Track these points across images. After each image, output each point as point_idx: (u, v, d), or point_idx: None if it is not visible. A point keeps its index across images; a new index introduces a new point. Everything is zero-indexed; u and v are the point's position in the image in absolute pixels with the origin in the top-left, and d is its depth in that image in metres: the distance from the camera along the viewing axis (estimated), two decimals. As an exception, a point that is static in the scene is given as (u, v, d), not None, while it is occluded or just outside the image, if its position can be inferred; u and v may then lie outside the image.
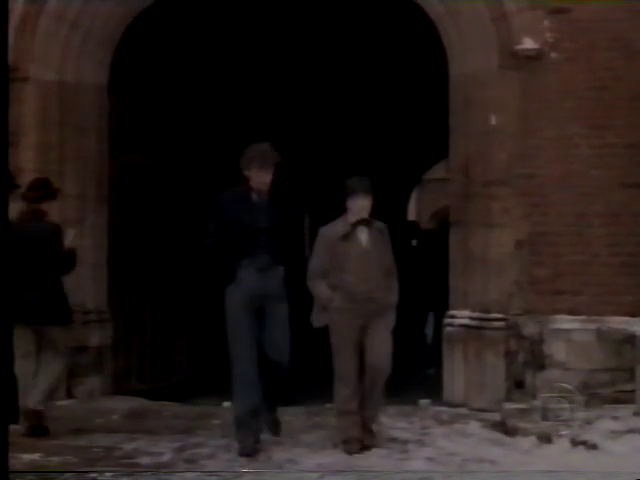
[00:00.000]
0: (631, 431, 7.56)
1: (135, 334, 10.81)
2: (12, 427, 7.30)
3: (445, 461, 7.22)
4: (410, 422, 8.45)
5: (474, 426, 8.26)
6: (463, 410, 9.00)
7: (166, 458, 7.32)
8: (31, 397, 8.06)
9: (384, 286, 7.45)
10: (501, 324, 9.09)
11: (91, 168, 9.87)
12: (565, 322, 8.96)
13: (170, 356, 11.41)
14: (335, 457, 7.28)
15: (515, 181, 9.11)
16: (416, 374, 12.11)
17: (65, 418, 8.50)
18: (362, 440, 7.45)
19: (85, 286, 9.57)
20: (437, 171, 22.54)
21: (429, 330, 13.67)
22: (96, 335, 9.80)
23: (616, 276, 8.98)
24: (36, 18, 9.53)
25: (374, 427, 7.56)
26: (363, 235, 7.47)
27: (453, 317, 9.41)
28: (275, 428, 7.83)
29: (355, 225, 7.46)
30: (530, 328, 9.02)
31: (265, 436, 7.66)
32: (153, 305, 11.11)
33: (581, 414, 7.98)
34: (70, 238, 8.29)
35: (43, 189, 8.30)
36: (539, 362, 8.97)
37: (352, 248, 7.41)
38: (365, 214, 7.48)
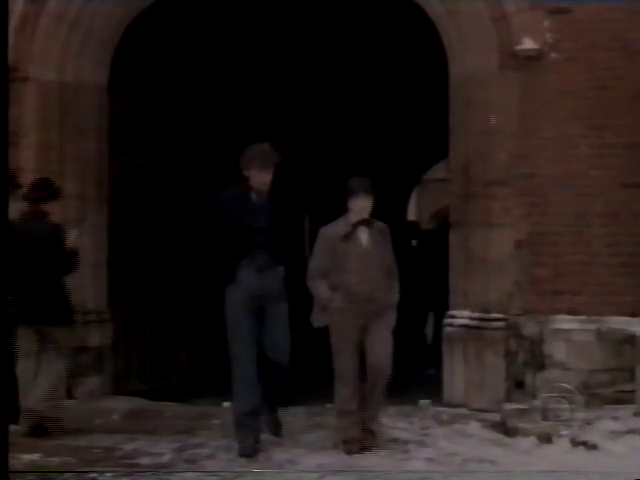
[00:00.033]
0: (631, 431, 7.56)
1: (135, 334, 10.82)
2: (12, 427, 7.34)
3: (445, 461, 7.22)
4: (410, 422, 8.44)
5: (474, 426, 8.26)
6: (463, 410, 9.00)
7: (166, 458, 7.32)
8: (32, 397, 8.06)
9: (385, 286, 7.45)
10: (501, 324, 9.09)
11: (91, 168, 9.87)
12: (565, 322, 8.96)
13: (170, 356, 11.42)
14: (335, 457, 7.28)
15: (515, 181, 9.11)
16: (416, 374, 12.10)
17: (65, 418, 8.48)
18: (362, 440, 7.45)
19: (85, 286, 9.57)
20: (437, 171, 22.54)
21: (429, 330, 13.67)
22: (96, 335, 9.80)
23: (616, 276, 8.98)
24: (36, 18, 9.53)
25: (375, 427, 7.56)
26: (364, 235, 7.47)
27: (453, 317, 9.41)
28: (276, 429, 7.83)
29: (356, 225, 7.45)
30: (530, 328, 9.02)
31: (265, 436, 7.66)
32: (153, 305, 11.12)
33: (581, 414, 7.98)
34: (72, 238, 8.29)
35: (45, 189, 8.30)
36: (539, 362, 8.97)
37: (353, 248, 7.41)
38: (366, 214, 7.47)
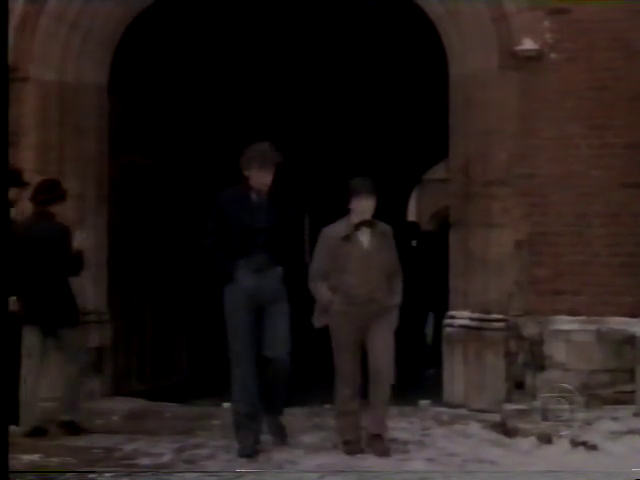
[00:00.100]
0: (631, 432, 7.56)
1: (135, 334, 10.81)
2: (12, 427, 7.35)
3: (445, 462, 7.21)
4: (410, 423, 8.44)
5: (474, 427, 8.26)
6: (463, 411, 9.00)
7: (166, 459, 7.31)
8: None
9: (385, 288, 7.40)
10: (501, 325, 9.08)
11: (91, 168, 9.87)
12: (565, 323, 8.96)
13: (170, 356, 11.41)
14: (335, 457, 7.28)
15: (515, 181, 9.11)
16: (416, 374, 12.10)
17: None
18: (361, 441, 7.44)
19: (85, 286, 9.56)
20: (437, 171, 22.56)
21: (429, 330, 13.68)
22: (96, 336, 9.79)
23: (616, 276, 8.98)
24: (36, 18, 9.53)
25: (382, 431, 7.46)
26: (365, 236, 7.43)
27: (453, 317, 9.40)
28: (280, 434, 7.72)
29: (358, 226, 7.42)
30: (530, 329, 9.02)
31: (265, 436, 7.65)
32: (153, 305, 11.11)
33: (581, 415, 7.98)
34: (78, 240, 8.30)
35: (52, 192, 8.29)
36: (539, 363, 8.97)
37: (353, 249, 7.37)
38: (368, 215, 7.44)
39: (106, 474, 6.81)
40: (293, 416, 8.52)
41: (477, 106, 9.24)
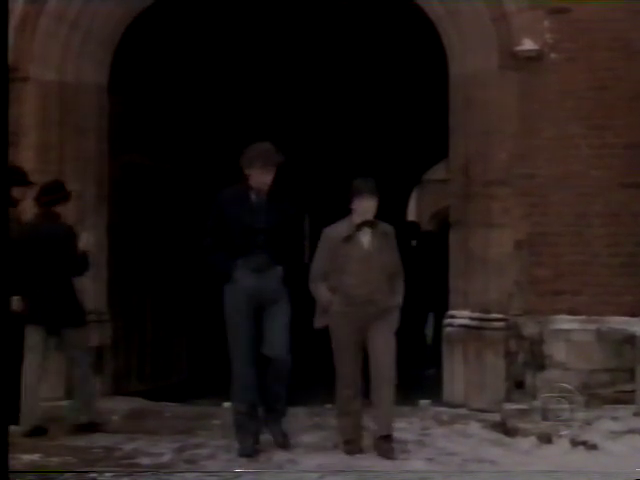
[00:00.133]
0: (631, 431, 7.56)
1: (135, 334, 10.81)
2: (12, 427, 7.34)
3: (445, 461, 7.22)
4: (410, 422, 8.44)
5: (474, 426, 8.27)
6: (463, 410, 9.00)
7: (166, 458, 7.32)
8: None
9: (386, 289, 7.38)
10: (501, 324, 9.09)
11: (91, 168, 9.87)
12: (565, 322, 8.96)
13: (170, 356, 11.41)
14: (335, 457, 7.28)
15: (515, 181, 9.11)
16: (416, 374, 12.10)
17: (65, 418, 8.49)
18: (362, 441, 7.44)
19: (85, 286, 9.56)
20: (437, 171, 22.54)
21: (429, 330, 13.68)
22: (96, 335, 9.79)
23: (616, 276, 8.98)
24: (36, 18, 9.53)
25: (389, 431, 7.39)
26: (366, 237, 7.41)
27: (453, 317, 9.41)
28: (282, 440, 7.59)
29: (359, 227, 7.40)
30: (530, 328, 9.02)
31: (265, 436, 7.64)
32: (153, 305, 11.11)
33: (581, 414, 7.98)
34: (84, 241, 8.31)
35: (55, 192, 8.29)
36: (539, 362, 8.97)
37: (354, 250, 7.35)
38: (370, 215, 7.42)
39: (106, 474, 6.81)
40: (293, 416, 8.51)
41: (477, 106, 9.24)
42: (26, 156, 9.42)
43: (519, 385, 9.02)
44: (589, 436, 7.49)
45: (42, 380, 8.25)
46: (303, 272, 7.54)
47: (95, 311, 9.83)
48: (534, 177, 9.08)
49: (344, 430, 7.48)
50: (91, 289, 9.75)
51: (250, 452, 7.33)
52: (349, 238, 7.37)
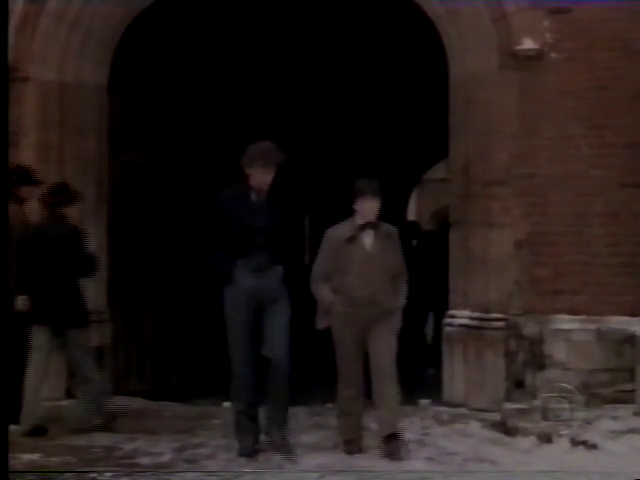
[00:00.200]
0: (631, 431, 7.56)
1: (135, 334, 10.81)
2: (12, 427, 7.34)
3: (445, 461, 7.22)
4: (410, 422, 8.43)
5: (474, 426, 8.27)
6: (463, 410, 9.00)
7: (166, 458, 7.32)
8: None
9: (388, 290, 7.36)
10: (501, 324, 9.09)
11: (91, 168, 9.86)
12: (565, 322, 8.96)
13: (170, 356, 11.41)
14: (335, 457, 7.27)
15: (515, 181, 9.11)
16: (416, 374, 12.09)
17: (65, 418, 8.49)
18: (362, 440, 7.44)
19: (85, 286, 9.55)
20: (437, 171, 22.54)
21: (429, 330, 13.67)
22: (96, 335, 9.77)
23: (616, 276, 8.98)
24: (36, 18, 9.53)
25: (397, 432, 7.34)
26: (368, 238, 7.38)
27: (453, 317, 9.41)
28: (286, 449, 7.38)
29: (362, 227, 7.38)
30: (530, 328, 9.02)
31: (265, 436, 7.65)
32: (153, 305, 11.11)
33: (581, 414, 7.98)
34: (94, 243, 8.31)
35: (62, 194, 8.29)
36: (539, 362, 8.97)
37: (356, 251, 7.33)
38: (373, 216, 7.39)
39: (106, 473, 6.81)
40: (293, 416, 8.51)
41: (477, 106, 9.24)
42: (26, 156, 9.41)
43: (519, 385, 9.02)
44: (589, 436, 7.49)
45: (44, 380, 8.26)
46: (304, 272, 7.53)
47: (95, 311, 9.80)
48: (534, 177, 9.09)
49: (344, 430, 7.48)
50: (91, 288, 9.74)
51: (250, 452, 7.33)
52: (352, 239, 7.35)
